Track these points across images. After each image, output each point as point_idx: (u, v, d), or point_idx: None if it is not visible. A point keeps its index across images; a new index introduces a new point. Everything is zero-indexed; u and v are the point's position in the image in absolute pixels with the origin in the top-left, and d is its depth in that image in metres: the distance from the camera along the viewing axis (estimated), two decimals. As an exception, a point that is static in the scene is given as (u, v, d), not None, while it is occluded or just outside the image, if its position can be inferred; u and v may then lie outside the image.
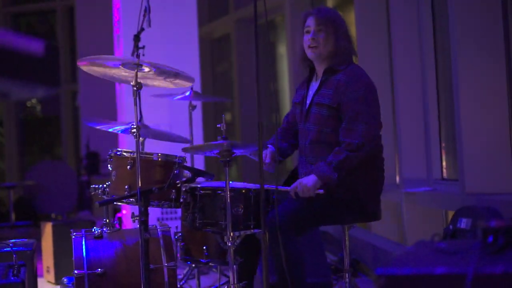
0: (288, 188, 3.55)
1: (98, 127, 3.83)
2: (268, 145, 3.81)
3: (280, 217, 3.40)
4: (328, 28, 3.62)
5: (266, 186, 3.31)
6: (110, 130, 3.86)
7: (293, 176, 3.80)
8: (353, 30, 6.41)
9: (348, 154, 3.47)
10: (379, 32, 5.92)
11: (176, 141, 4.13)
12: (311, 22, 3.65)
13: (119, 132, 3.86)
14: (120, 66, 3.56)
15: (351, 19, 6.81)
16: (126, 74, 3.64)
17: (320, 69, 3.72)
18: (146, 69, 3.58)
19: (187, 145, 4.03)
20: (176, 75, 3.65)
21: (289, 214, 3.46)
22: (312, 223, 3.63)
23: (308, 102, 3.71)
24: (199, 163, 6.22)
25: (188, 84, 3.83)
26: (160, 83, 3.79)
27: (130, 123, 3.63)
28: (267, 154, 3.76)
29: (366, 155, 3.53)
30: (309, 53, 3.67)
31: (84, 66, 3.60)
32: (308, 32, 3.66)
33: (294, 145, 3.89)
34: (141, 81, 3.54)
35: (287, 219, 3.43)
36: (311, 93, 3.73)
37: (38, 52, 1.41)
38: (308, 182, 3.48)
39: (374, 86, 3.63)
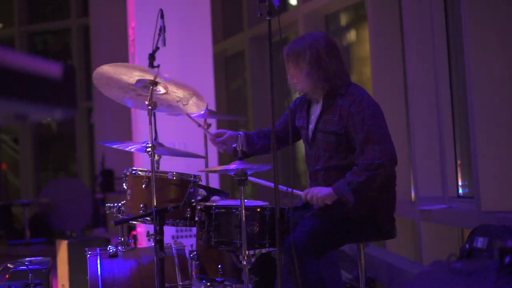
0: (301, 193, 3.55)
1: (114, 146, 3.85)
2: (241, 132, 3.80)
3: (298, 239, 3.39)
4: (293, 64, 3.61)
5: (280, 187, 3.28)
6: (127, 149, 3.87)
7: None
8: (367, 47, 6.42)
9: (368, 175, 3.43)
10: (393, 49, 5.93)
11: (191, 156, 4.13)
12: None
13: (133, 150, 3.88)
14: (135, 87, 3.58)
15: (365, 36, 6.82)
16: (139, 96, 3.67)
17: (315, 95, 3.70)
18: (162, 91, 3.61)
19: (202, 160, 4.05)
20: (191, 96, 3.67)
21: (307, 236, 3.45)
22: (330, 245, 3.61)
23: (311, 126, 3.70)
24: (213, 181, 6.23)
25: (198, 110, 3.84)
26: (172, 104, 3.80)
27: (145, 142, 3.65)
28: (227, 133, 3.80)
29: (386, 175, 3.51)
30: (295, 89, 3.71)
31: (99, 83, 3.62)
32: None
33: (266, 146, 3.87)
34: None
35: (306, 241, 3.42)
36: (313, 118, 3.70)
37: (56, 75, 1.42)
38: (320, 192, 3.48)
39: (375, 102, 3.58)
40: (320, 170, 3.65)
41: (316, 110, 3.71)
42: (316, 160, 3.67)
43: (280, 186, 3.26)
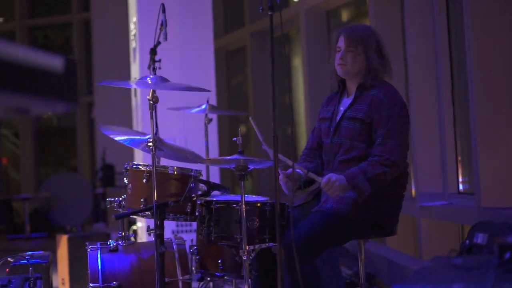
0: (320, 178, 3.49)
1: (113, 138, 3.84)
2: (297, 170, 3.73)
3: (296, 239, 3.37)
4: (357, 47, 3.64)
5: (297, 169, 3.49)
6: (126, 143, 3.87)
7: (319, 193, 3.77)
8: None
9: (385, 170, 3.45)
10: (395, 45, 5.92)
11: (189, 159, 4.10)
12: (341, 42, 3.69)
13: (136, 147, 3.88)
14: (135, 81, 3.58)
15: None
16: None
17: (351, 85, 3.73)
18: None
19: (203, 155, 4.04)
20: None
21: (306, 236, 3.42)
22: (329, 244, 3.59)
23: (338, 117, 3.70)
24: (214, 176, 6.23)
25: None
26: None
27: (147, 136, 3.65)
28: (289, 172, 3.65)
29: (394, 175, 3.51)
30: (338, 69, 3.69)
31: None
32: (338, 51, 3.69)
33: (322, 164, 3.83)
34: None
35: (304, 241, 3.39)
36: (342, 108, 3.72)
37: (57, 68, 1.42)
38: (339, 181, 3.42)
39: (406, 106, 3.65)
40: (339, 158, 3.64)
41: (346, 102, 3.73)
42: (337, 148, 3.66)
43: (297, 170, 3.50)
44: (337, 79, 3.78)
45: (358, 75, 3.67)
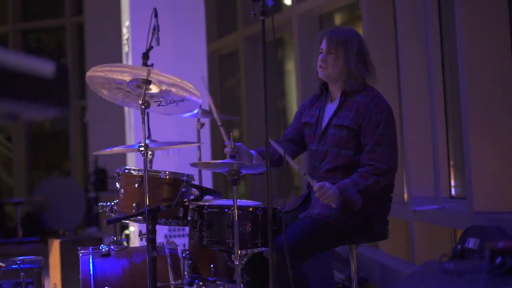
0: (315, 182, 3.47)
1: (108, 150, 3.85)
2: (253, 151, 3.74)
3: (283, 244, 3.36)
4: (339, 50, 3.62)
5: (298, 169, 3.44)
6: (120, 148, 3.87)
7: (308, 198, 3.78)
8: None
9: (377, 179, 3.45)
10: (387, 49, 5.94)
11: (184, 144, 4.10)
12: (323, 44, 3.68)
13: (130, 152, 3.88)
14: (128, 84, 3.57)
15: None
16: (130, 100, 3.67)
17: (334, 89, 3.73)
18: (154, 89, 3.60)
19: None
20: (183, 99, 3.68)
21: (295, 240, 3.42)
22: (316, 250, 3.59)
23: (324, 124, 3.69)
24: (207, 180, 6.23)
25: (193, 109, 3.84)
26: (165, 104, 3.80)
27: (138, 142, 3.64)
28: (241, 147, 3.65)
29: (386, 182, 3.52)
30: (320, 72, 3.69)
31: (93, 86, 3.61)
32: (320, 52, 3.69)
33: (292, 155, 3.81)
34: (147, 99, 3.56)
35: (293, 245, 3.39)
36: (327, 115, 3.71)
37: (48, 73, 1.42)
38: (334, 192, 3.42)
39: (392, 110, 3.64)
40: (325, 166, 3.63)
41: (331, 108, 3.71)
42: (323, 157, 3.66)
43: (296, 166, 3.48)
44: (319, 82, 3.78)
45: (338, 78, 3.67)
